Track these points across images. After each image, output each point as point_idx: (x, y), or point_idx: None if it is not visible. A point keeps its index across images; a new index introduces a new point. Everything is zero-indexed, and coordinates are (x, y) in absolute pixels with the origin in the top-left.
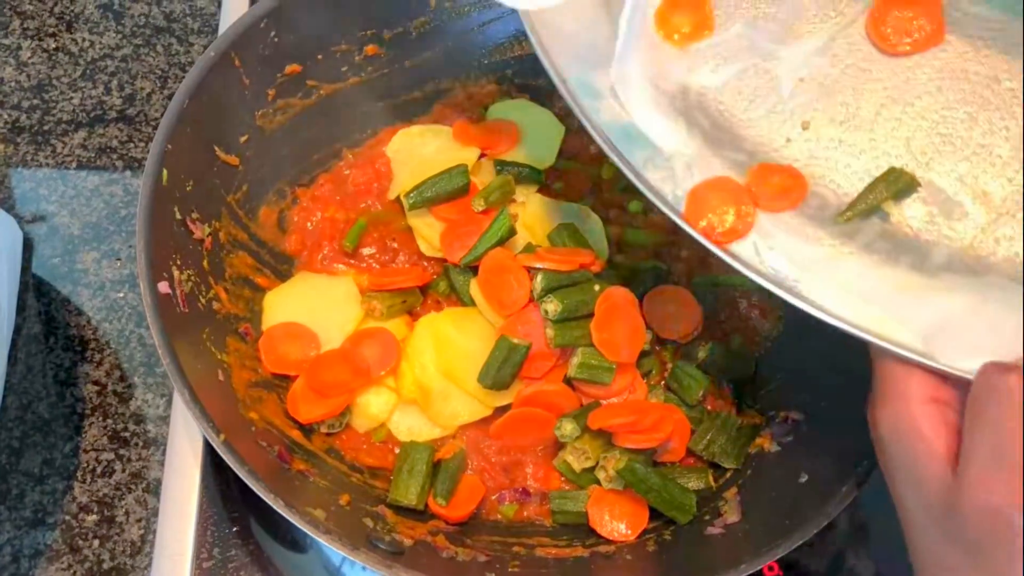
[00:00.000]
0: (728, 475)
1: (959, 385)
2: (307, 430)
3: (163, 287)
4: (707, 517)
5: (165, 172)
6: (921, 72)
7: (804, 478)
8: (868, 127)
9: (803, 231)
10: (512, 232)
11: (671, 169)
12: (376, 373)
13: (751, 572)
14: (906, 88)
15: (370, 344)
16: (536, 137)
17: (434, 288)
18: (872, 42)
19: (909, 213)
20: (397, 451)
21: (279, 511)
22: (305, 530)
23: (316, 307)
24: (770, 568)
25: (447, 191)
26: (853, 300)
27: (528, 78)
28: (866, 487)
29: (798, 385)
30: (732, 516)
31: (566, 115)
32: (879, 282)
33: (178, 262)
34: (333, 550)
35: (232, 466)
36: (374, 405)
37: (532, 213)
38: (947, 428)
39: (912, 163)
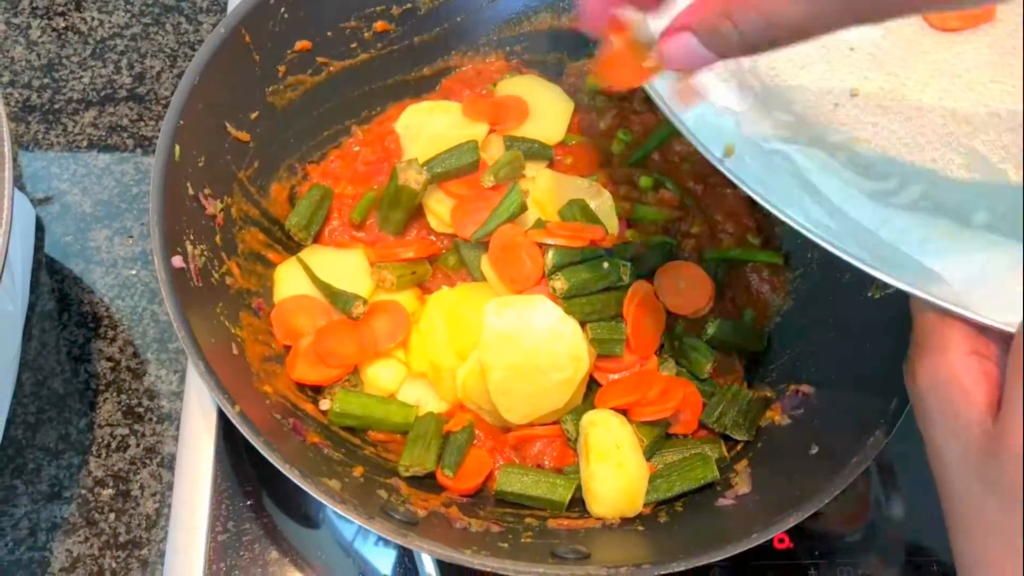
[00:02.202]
0: (739, 448)
1: (999, 339)
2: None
3: (177, 261)
4: (718, 488)
5: (177, 148)
6: (970, 47)
7: (815, 450)
8: (916, 96)
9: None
10: (523, 208)
11: (720, 128)
12: (385, 346)
13: (761, 541)
14: (955, 61)
15: (381, 317)
16: (545, 113)
17: (443, 262)
18: (924, 18)
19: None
20: None
21: (295, 481)
22: (321, 500)
23: (327, 279)
24: (780, 540)
25: (457, 167)
26: (897, 254)
27: (537, 54)
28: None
29: (808, 359)
30: (743, 487)
31: (575, 91)
32: (923, 237)
33: (191, 237)
34: (345, 525)
35: (247, 436)
36: (383, 377)
37: (542, 189)
38: (987, 379)
39: (957, 131)
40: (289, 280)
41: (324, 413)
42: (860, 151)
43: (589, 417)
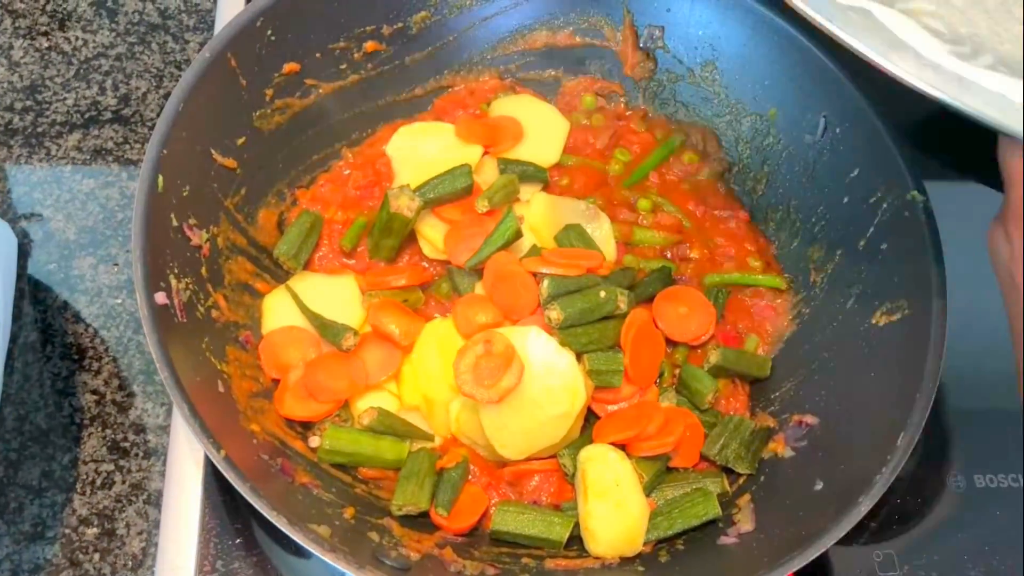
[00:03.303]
0: (742, 481)
1: None
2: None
3: (160, 298)
4: (720, 525)
5: (161, 179)
6: None
7: (819, 485)
8: None
9: None
10: (518, 234)
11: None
12: (376, 379)
13: None
14: None
15: (372, 348)
16: (540, 133)
17: (436, 290)
18: None
19: None
20: None
21: (283, 529)
22: (310, 548)
23: (317, 308)
24: None
25: (450, 191)
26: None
27: (532, 72)
28: None
29: (811, 388)
30: (746, 525)
31: (570, 110)
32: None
33: (175, 270)
34: None
35: (233, 483)
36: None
37: (537, 213)
38: None
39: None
40: (278, 310)
41: (313, 450)
42: (928, 23)
43: (587, 452)
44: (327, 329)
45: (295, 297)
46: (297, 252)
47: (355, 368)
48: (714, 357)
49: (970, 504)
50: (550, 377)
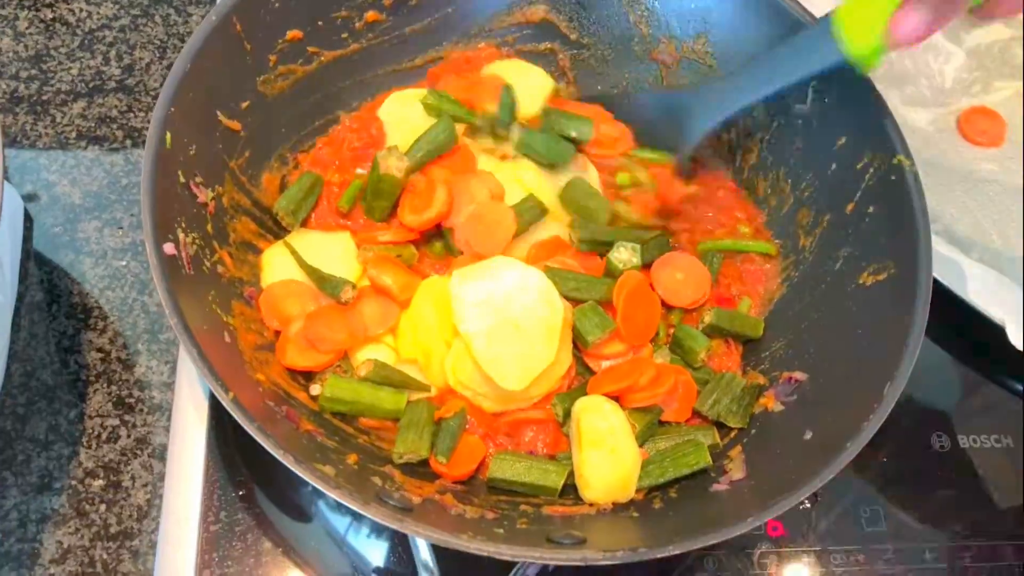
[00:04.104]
0: (733, 434)
1: None
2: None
3: (169, 248)
4: (712, 475)
5: (169, 135)
6: None
7: (808, 435)
8: None
9: None
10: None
11: None
12: (374, 331)
13: (756, 524)
14: None
15: (370, 302)
16: (523, 90)
17: (430, 249)
18: None
19: None
20: None
21: (289, 467)
22: (316, 485)
23: (315, 263)
24: (774, 528)
25: (434, 147)
26: None
27: (528, 44)
28: None
29: (800, 346)
30: (737, 473)
31: (559, 75)
32: None
33: (183, 224)
34: (337, 517)
35: (241, 423)
36: None
37: (533, 181)
38: None
39: None
40: (277, 265)
41: (316, 399)
42: None
43: (581, 403)
44: (326, 283)
45: (293, 252)
46: (296, 209)
47: (354, 320)
48: (708, 317)
49: (952, 463)
50: (525, 294)
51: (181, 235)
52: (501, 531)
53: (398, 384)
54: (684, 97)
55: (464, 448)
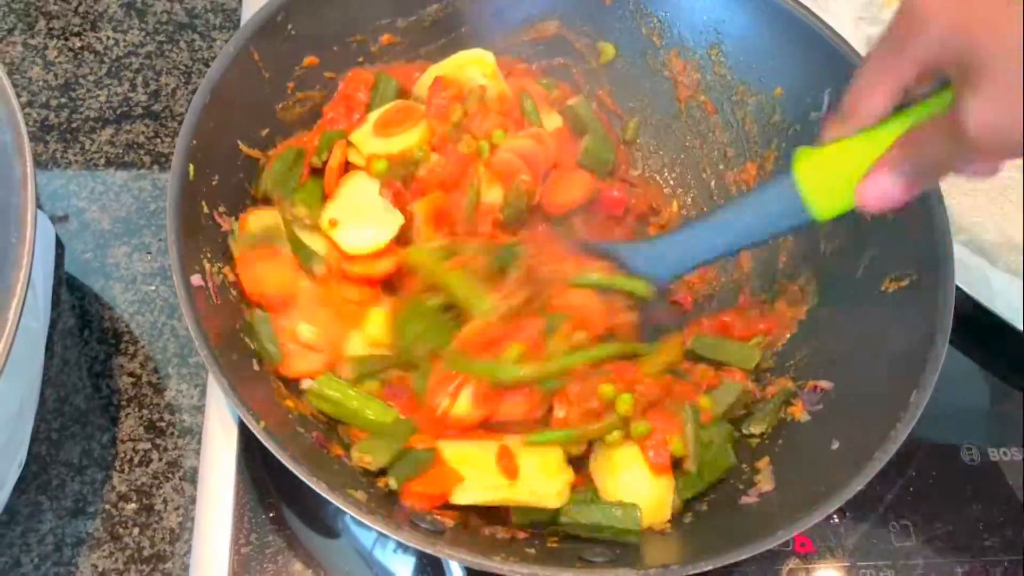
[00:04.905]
0: (760, 444)
1: None
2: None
3: (196, 280)
4: (740, 487)
5: (191, 167)
6: None
7: (836, 445)
8: None
9: None
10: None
11: None
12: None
13: (786, 538)
14: None
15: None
16: None
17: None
18: None
19: None
20: None
21: (322, 493)
22: (348, 511)
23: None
24: (802, 544)
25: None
26: None
27: (541, 60)
28: None
29: (825, 354)
30: (766, 485)
31: (574, 88)
32: None
33: (208, 255)
34: (365, 534)
35: (274, 451)
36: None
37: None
38: None
39: None
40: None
41: (302, 393)
42: None
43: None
44: (302, 252)
45: (286, 222)
46: (284, 181)
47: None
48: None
49: (984, 476)
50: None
51: (207, 265)
52: (533, 551)
53: (377, 372)
54: (642, 249)
55: (432, 478)
